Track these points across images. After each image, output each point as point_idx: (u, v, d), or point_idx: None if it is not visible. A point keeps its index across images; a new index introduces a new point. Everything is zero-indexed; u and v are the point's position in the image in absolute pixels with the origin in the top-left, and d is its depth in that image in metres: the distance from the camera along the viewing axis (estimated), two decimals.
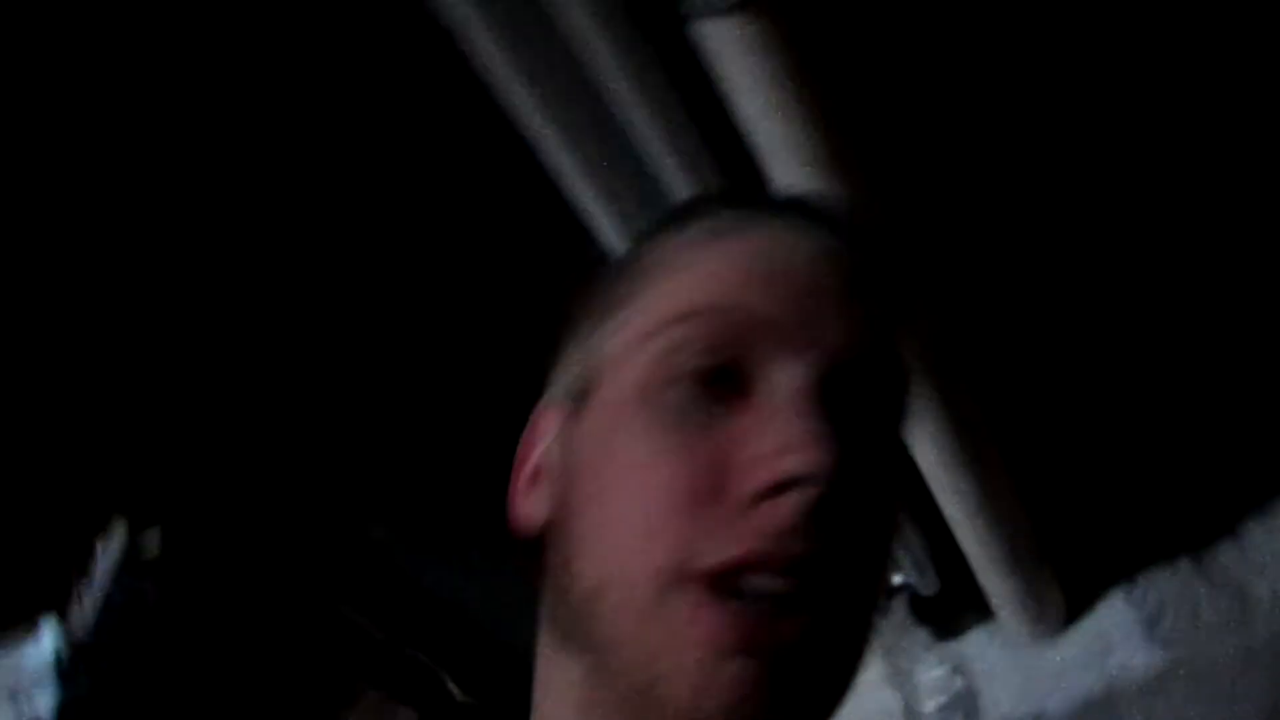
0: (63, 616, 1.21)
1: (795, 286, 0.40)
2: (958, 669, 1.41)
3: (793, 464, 0.36)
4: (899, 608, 1.41)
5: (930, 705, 1.40)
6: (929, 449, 1.08)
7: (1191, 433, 1.37)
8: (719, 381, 0.39)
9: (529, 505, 0.45)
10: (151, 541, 1.29)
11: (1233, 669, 1.25)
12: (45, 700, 1.12)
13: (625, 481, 0.39)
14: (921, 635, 1.43)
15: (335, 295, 1.17)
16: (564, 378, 0.46)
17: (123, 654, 1.18)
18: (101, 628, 1.20)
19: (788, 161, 0.85)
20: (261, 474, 1.36)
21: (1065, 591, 1.36)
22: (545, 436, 0.46)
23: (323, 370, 1.27)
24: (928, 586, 1.33)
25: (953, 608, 1.39)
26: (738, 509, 0.37)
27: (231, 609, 1.41)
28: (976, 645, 1.41)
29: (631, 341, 0.42)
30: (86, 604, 1.20)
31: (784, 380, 0.38)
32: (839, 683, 0.39)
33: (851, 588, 0.38)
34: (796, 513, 0.36)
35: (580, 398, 0.43)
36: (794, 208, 0.46)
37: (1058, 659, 1.36)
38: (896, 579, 1.36)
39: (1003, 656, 1.39)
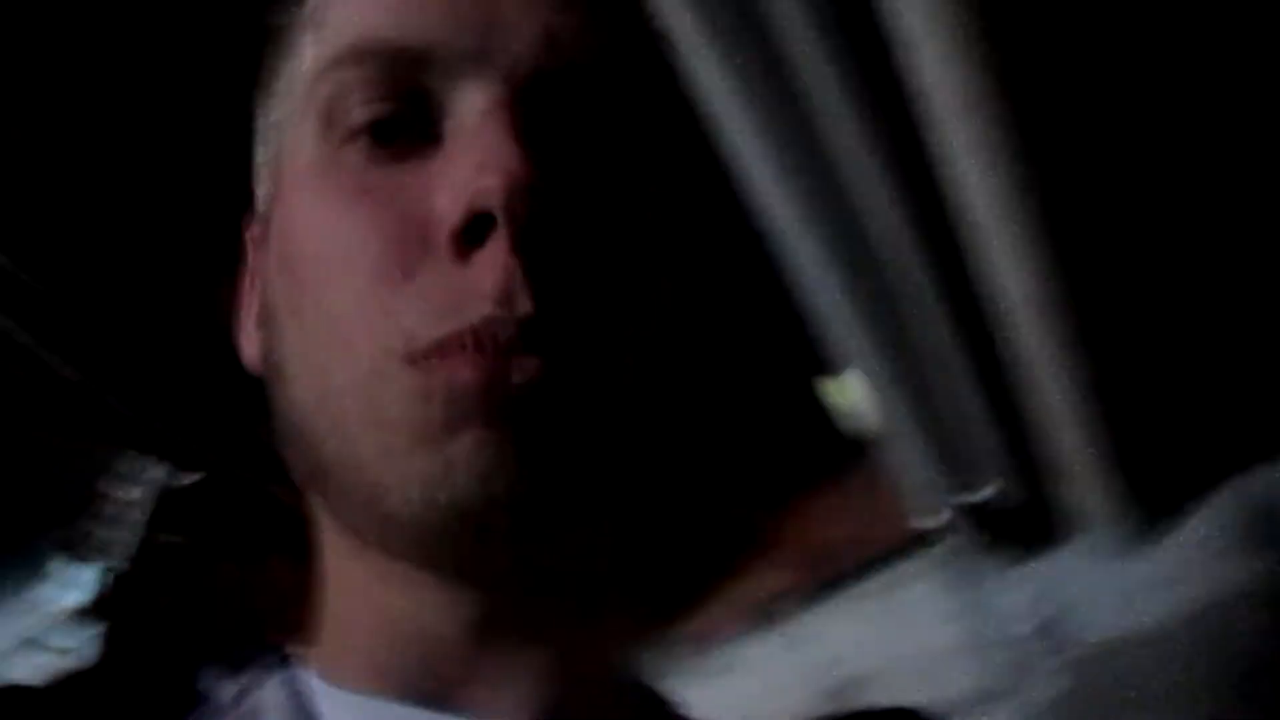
0: (75, 557, 1.16)
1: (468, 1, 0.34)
2: (1040, 592, 1.31)
3: (478, 191, 0.30)
4: (964, 527, 1.31)
5: (1011, 634, 1.31)
6: (1029, 313, 1.00)
7: None
8: (399, 130, 0.33)
9: (251, 343, 0.39)
10: (188, 484, 1.25)
11: None
12: (69, 642, 1.08)
13: (316, 274, 0.33)
14: (992, 557, 1.33)
15: None
16: (258, 172, 0.39)
17: (151, 595, 1.14)
18: (133, 568, 1.15)
19: None
20: None
21: (1157, 496, 1.26)
22: (250, 263, 0.40)
23: None
24: (1012, 494, 1.23)
25: (1028, 522, 1.30)
26: (444, 271, 0.31)
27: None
28: (1059, 563, 1.31)
29: (296, 107, 0.36)
30: (114, 546, 1.15)
31: (468, 105, 0.32)
32: (602, 448, 0.32)
33: (599, 333, 0.32)
34: (503, 255, 0.30)
35: (267, 197, 0.37)
36: None
37: (1153, 572, 1.25)
38: (971, 496, 1.27)
39: (1091, 573, 1.29)
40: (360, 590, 0.35)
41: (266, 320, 0.36)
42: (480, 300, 0.30)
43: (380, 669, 0.35)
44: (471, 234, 0.30)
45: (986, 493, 1.21)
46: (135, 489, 1.18)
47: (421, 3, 0.34)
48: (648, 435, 0.35)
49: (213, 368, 1.24)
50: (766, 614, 1.38)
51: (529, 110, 0.32)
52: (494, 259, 0.30)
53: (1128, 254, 1.11)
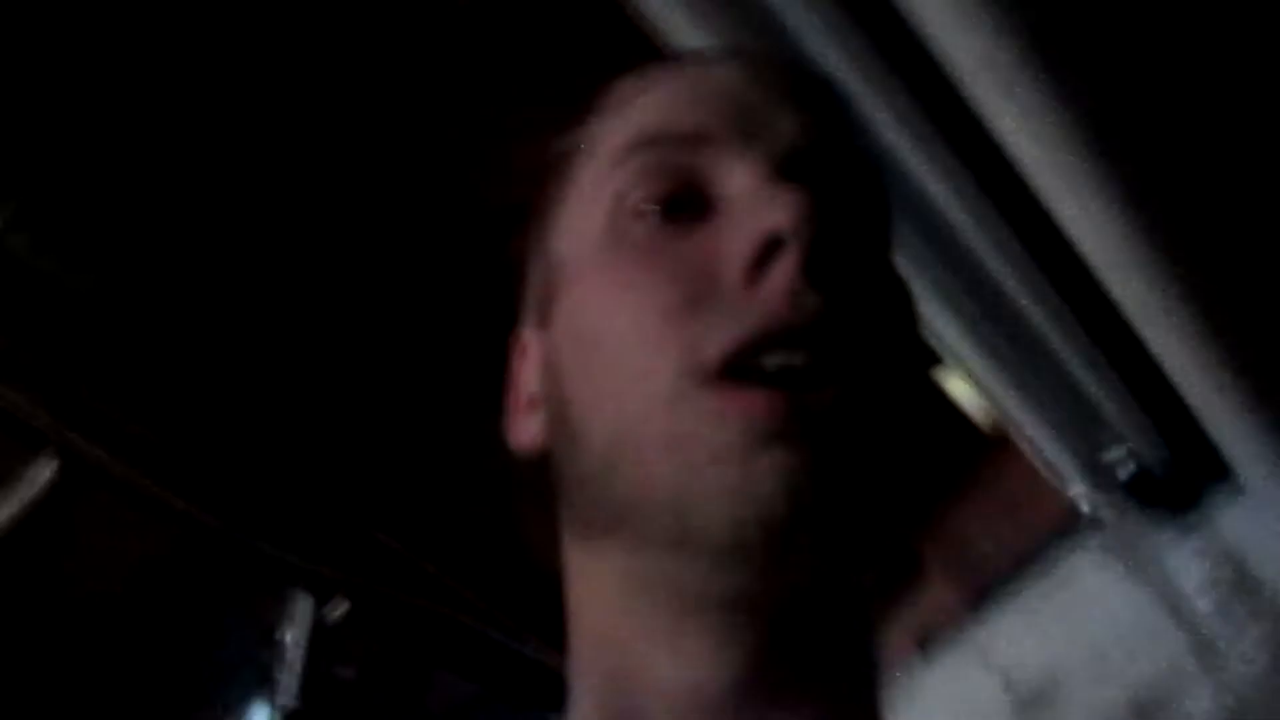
0: (252, 700, 1.17)
1: (738, 98, 0.40)
2: (1211, 546, 1.26)
3: (771, 222, 0.34)
4: (1122, 496, 1.27)
5: (1195, 594, 1.25)
6: (1132, 281, 0.99)
7: None
8: (681, 208, 0.37)
9: (525, 430, 0.43)
10: (338, 611, 1.26)
11: None
12: None
13: (609, 329, 0.37)
14: (1158, 521, 1.28)
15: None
16: (530, 293, 0.45)
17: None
18: (304, 704, 1.15)
19: None
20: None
21: None
22: (525, 362, 0.44)
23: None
24: (1155, 458, 1.20)
25: (1182, 479, 1.26)
26: (732, 295, 0.35)
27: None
28: (1223, 514, 1.26)
29: (581, 211, 0.41)
30: (284, 685, 1.15)
31: (743, 174, 0.37)
32: (880, 462, 0.35)
33: (871, 349, 0.35)
34: (793, 269, 0.34)
35: (547, 298, 0.42)
36: (734, 53, 0.46)
37: None
38: (1122, 470, 1.23)
39: (1258, 519, 1.24)
40: (628, 650, 0.36)
41: (548, 398, 0.41)
42: (769, 302, 0.33)
43: None
44: (760, 262, 0.34)
45: (1122, 453, 1.18)
46: (293, 626, 1.20)
47: (696, 100, 0.40)
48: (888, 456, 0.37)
49: (342, 497, 1.27)
50: (936, 635, 1.33)
51: (793, 173, 0.37)
52: (783, 270, 0.34)
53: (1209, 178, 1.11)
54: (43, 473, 1.03)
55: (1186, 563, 1.26)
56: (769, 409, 0.32)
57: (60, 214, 0.89)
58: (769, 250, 0.34)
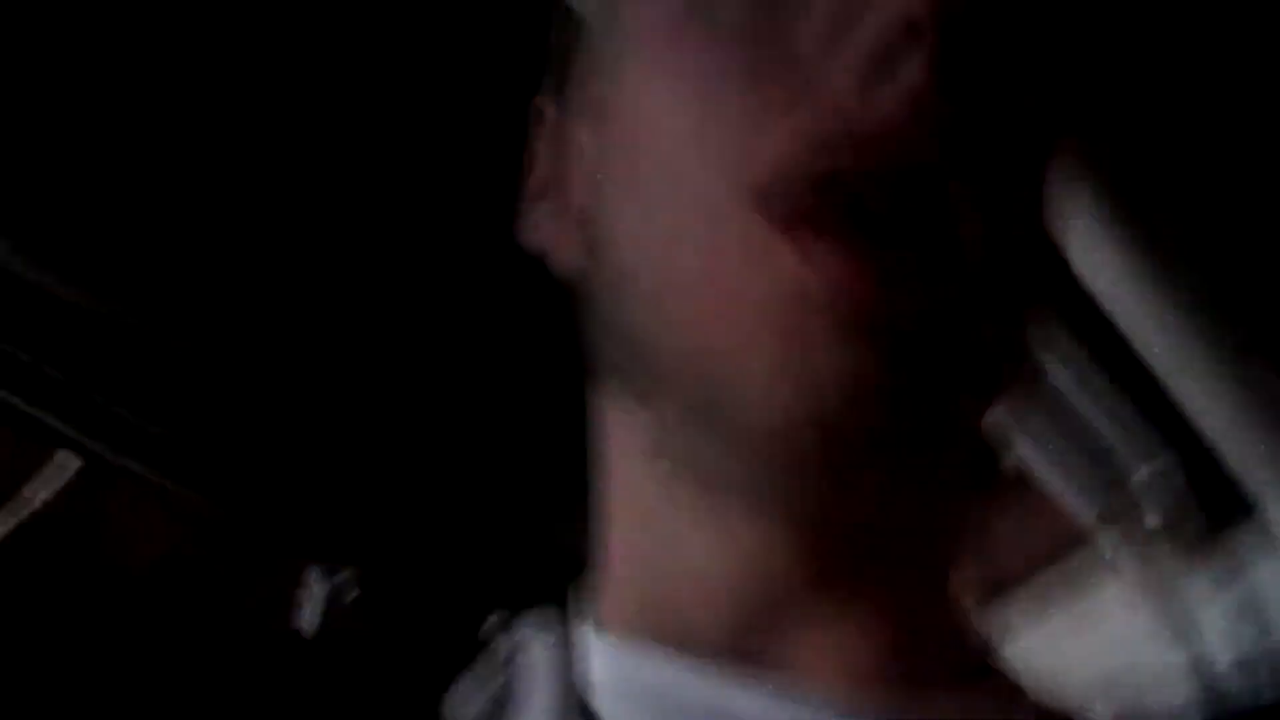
0: None
1: None
2: (1238, 600, 1.19)
3: (900, 4, 0.24)
4: (1146, 537, 1.21)
5: (1216, 663, 1.18)
6: (1143, 323, 0.94)
7: None
8: None
9: (560, 246, 0.34)
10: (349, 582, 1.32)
11: None
12: None
13: (667, 131, 0.28)
14: (1178, 555, 1.22)
15: None
16: (568, 66, 0.36)
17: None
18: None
19: None
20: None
21: None
22: (551, 137, 0.36)
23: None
24: (1178, 496, 1.14)
25: (1206, 517, 1.19)
26: (833, 96, 0.25)
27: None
28: (1244, 549, 1.19)
29: None
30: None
31: None
32: (998, 365, 0.26)
33: (1015, 189, 0.26)
34: (924, 71, 0.23)
35: (594, 78, 0.33)
36: None
37: None
38: (1146, 509, 1.17)
39: None
40: (659, 528, 0.31)
41: (593, 215, 0.32)
42: (883, 113, 0.24)
43: (674, 620, 0.30)
44: (881, 58, 0.24)
45: (1144, 492, 1.12)
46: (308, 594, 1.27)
47: None
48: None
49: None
50: None
51: None
52: (910, 72, 0.24)
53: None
54: (71, 464, 1.12)
55: (1206, 602, 1.20)
56: (847, 275, 0.24)
57: (49, 224, 0.92)
58: (897, 40, 0.24)
